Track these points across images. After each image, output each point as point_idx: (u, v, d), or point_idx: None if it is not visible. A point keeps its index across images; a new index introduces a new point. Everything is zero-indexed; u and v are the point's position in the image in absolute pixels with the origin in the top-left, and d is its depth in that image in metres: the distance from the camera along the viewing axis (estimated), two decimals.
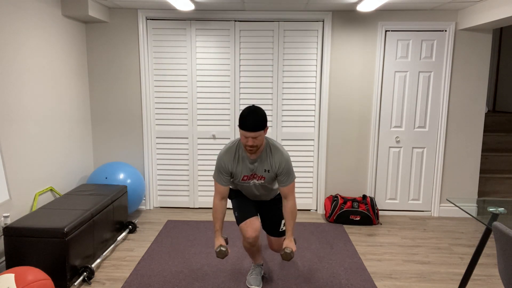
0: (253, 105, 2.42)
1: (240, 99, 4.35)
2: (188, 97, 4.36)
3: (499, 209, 2.50)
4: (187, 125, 4.41)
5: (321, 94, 4.28)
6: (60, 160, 3.75)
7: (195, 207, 4.58)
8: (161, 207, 4.61)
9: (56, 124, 3.66)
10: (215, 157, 4.46)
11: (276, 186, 2.74)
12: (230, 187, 2.85)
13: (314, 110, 4.35)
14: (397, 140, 4.34)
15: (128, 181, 3.92)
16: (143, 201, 4.54)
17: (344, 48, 4.21)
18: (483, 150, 5.06)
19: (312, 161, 4.44)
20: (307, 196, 4.52)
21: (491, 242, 3.75)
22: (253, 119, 2.32)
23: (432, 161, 4.36)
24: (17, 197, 3.11)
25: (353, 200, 4.15)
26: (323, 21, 4.20)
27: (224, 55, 4.27)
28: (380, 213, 4.48)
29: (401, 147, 4.36)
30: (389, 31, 4.17)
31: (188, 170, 4.49)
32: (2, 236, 2.93)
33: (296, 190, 4.50)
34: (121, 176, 3.91)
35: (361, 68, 4.23)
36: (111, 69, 4.30)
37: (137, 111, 4.37)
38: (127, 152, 4.45)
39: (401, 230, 4.01)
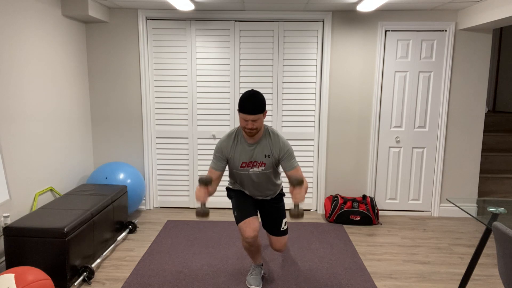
0: (252, 89, 2.47)
1: None
2: (188, 97, 4.36)
3: (499, 209, 2.50)
4: (187, 125, 4.41)
5: (321, 94, 4.28)
6: (60, 160, 3.75)
7: (195, 207, 4.58)
8: (161, 207, 4.61)
9: (56, 124, 3.66)
10: None
11: (278, 180, 2.72)
12: (230, 186, 2.86)
13: (314, 110, 4.35)
14: (397, 140, 4.34)
15: (128, 181, 3.92)
16: (143, 201, 4.54)
17: (344, 48, 4.21)
18: (483, 150, 5.06)
19: (312, 161, 4.44)
20: (307, 196, 4.52)
21: (491, 242, 3.75)
22: (252, 102, 2.37)
23: (432, 161, 4.36)
24: (17, 197, 3.11)
25: (353, 200, 4.15)
26: (323, 21, 4.20)
27: (224, 55, 4.27)
28: (380, 213, 4.48)
29: (401, 147, 4.36)
30: (389, 31, 4.17)
31: (188, 170, 4.49)
32: (2, 236, 2.93)
33: None
34: (121, 176, 3.91)
35: (361, 68, 4.23)
36: (111, 69, 4.30)
37: (137, 111, 4.37)
38: (127, 152, 4.45)
39: (401, 230, 4.01)
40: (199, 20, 4.22)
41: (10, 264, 2.73)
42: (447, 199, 2.79)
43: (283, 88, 4.32)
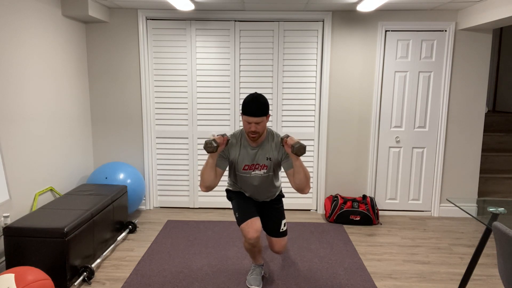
0: (256, 92, 2.48)
1: (240, 99, 4.35)
2: (188, 97, 4.36)
3: (499, 209, 2.50)
4: (187, 125, 4.41)
5: (321, 94, 4.28)
6: (60, 160, 3.75)
7: (195, 207, 4.58)
8: (161, 207, 4.61)
9: (56, 124, 3.66)
10: None
11: (277, 182, 2.73)
12: (229, 188, 2.85)
13: (314, 110, 4.35)
14: (397, 140, 4.34)
15: (128, 181, 3.92)
16: (143, 201, 4.54)
17: (344, 48, 4.21)
18: (483, 150, 5.06)
19: (312, 161, 4.44)
20: (307, 196, 4.52)
21: (491, 242, 3.75)
22: (256, 104, 2.39)
23: (432, 161, 4.36)
24: (17, 197, 3.11)
25: (353, 200, 4.15)
26: (323, 21, 4.20)
27: (224, 55, 4.27)
28: (380, 213, 4.48)
29: (401, 147, 4.36)
30: (389, 31, 4.17)
31: (188, 170, 4.49)
32: (2, 236, 2.93)
33: None
34: (121, 176, 3.91)
35: (361, 68, 4.23)
36: (111, 69, 4.30)
37: (137, 111, 4.37)
38: (127, 152, 4.45)
39: (401, 230, 4.01)
40: (199, 20, 4.22)
41: (10, 264, 2.73)
42: (447, 199, 2.79)
43: (283, 88, 4.32)
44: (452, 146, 4.32)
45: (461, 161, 4.34)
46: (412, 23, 4.11)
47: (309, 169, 4.45)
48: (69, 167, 3.92)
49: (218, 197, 4.55)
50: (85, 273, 2.89)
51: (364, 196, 4.22)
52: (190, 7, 3.75)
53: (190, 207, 4.59)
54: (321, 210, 4.48)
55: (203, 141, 4.44)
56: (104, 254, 3.28)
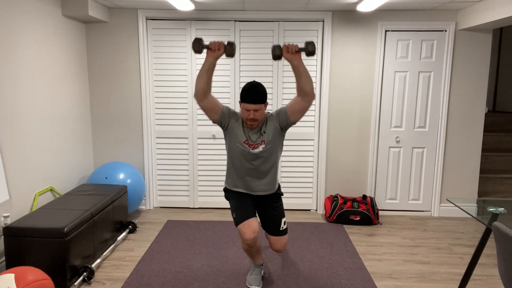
0: (254, 80, 2.50)
1: None
2: (188, 97, 4.36)
3: (499, 209, 2.50)
4: (187, 125, 4.41)
5: (321, 94, 4.28)
6: (60, 160, 3.75)
7: (195, 207, 4.58)
8: (161, 207, 4.61)
9: (56, 124, 3.66)
10: (215, 157, 4.46)
11: (276, 163, 2.68)
12: (227, 187, 2.80)
13: (314, 110, 4.35)
14: (397, 140, 4.34)
15: (128, 181, 3.92)
16: (143, 201, 4.54)
17: (344, 48, 4.21)
18: (483, 150, 5.06)
19: (312, 161, 4.44)
20: (307, 196, 4.52)
21: (491, 242, 3.75)
22: (255, 92, 2.42)
23: (432, 161, 4.36)
24: (17, 197, 3.11)
25: (353, 200, 4.15)
26: (323, 21, 4.20)
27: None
28: (380, 213, 4.48)
29: (401, 147, 4.36)
30: (389, 31, 4.17)
31: (188, 170, 4.49)
32: (2, 236, 2.93)
33: (296, 190, 4.50)
34: (121, 176, 3.91)
35: (361, 68, 4.23)
36: (111, 69, 4.30)
37: (137, 111, 4.37)
38: (127, 152, 4.45)
39: (401, 230, 4.01)
40: (199, 20, 4.22)
41: (10, 264, 2.73)
42: (447, 199, 2.79)
43: (283, 88, 4.32)
44: (452, 146, 4.32)
45: (461, 161, 4.34)
46: (412, 23, 4.11)
47: (309, 169, 4.46)
48: (69, 167, 3.93)
49: (218, 197, 4.55)
50: (85, 273, 2.89)
51: (364, 196, 4.22)
52: (190, 7, 3.75)
53: (190, 207, 4.59)
54: (321, 210, 4.48)
55: (203, 141, 4.44)
56: (104, 254, 3.28)
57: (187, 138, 4.43)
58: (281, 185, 4.49)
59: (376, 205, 4.17)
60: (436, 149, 4.33)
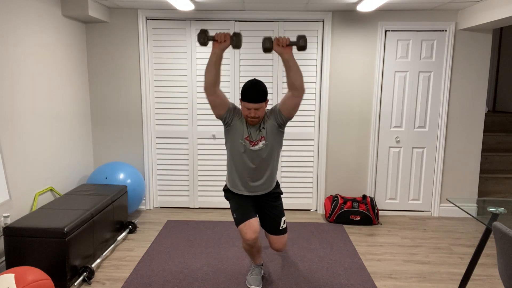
0: (254, 78, 2.49)
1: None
2: (188, 97, 4.36)
3: (499, 209, 2.50)
4: (187, 125, 4.41)
5: (321, 94, 4.28)
6: (60, 160, 3.75)
7: (195, 207, 4.58)
8: (161, 207, 4.61)
9: (56, 124, 3.66)
10: (215, 157, 4.46)
11: (276, 161, 2.68)
12: (227, 187, 2.81)
13: (314, 110, 4.35)
14: (397, 140, 4.34)
15: (128, 181, 3.92)
16: (143, 201, 4.54)
17: (344, 48, 4.21)
18: (483, 150, 5.06)
19: (312, 161, 4.44)
20: (307, 196, 4.52)
21: (491, 242, 3.75)
22: (255, 90, 2.41)
23: (432, 161, 4.36)
24: (17, 197, 3.11)
25: (353, 200, 4.15)
26: (323, 21, 4.20)
27: (224, 55, 4.27)
28: (380, 213, 4.48)
29: (401, 147, 4.36)
30: (389, 31, 4.17)
31: (188, 170, 4.49)
32: (2, 236, 2.93)
33: (296, 190, 4.50)
34: (121, 176, 3.91)
35: (361, 68, 4.23)
36: (111, 69, 4.30)
37: (137, 111, 4.37)
38: (127, 152, 4.45)
39: (401, 230, 4.01)
40: (199, 20, 4.22)
41: (10, 264, 2.73)
42: (447, 199, 2.79)
43: (283, 88, 4.32)
44: (452, 146, 4.32)
45: (461, 161, 4.34)
46: (412, 23, 4.11)
47: (309, 169, 4.46)
48: (69, 167, 3.93)
49: (218, 197, 4.55)
50: (85, 273, 2.89)
51: (364, 196, 4.22)
52: (190, 7, 3.75)
53: (190, 207, 4.59)
54: (321, 210, 4.48)
55: (203, 141, 4.44)
56: (104, 254, 3.28)
57: (187, 138, 4.43)
58: (281, 185, 4.49)
59: (376, 205, 4.17)
60: (436, 149, 4.33)
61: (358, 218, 4.09)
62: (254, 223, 2.60)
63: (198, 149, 4.45)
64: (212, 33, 4.22)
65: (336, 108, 4.31)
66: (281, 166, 4.45)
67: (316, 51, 4.25)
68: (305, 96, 4.32)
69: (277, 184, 2.86)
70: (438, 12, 4.10)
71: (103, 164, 4.37)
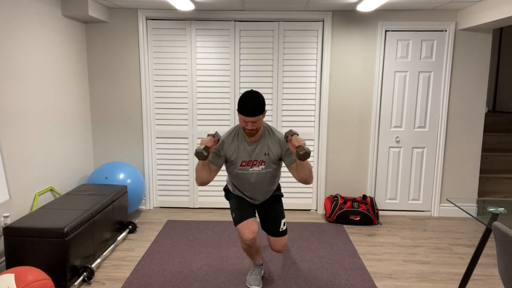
0: (252, 90, 2.45)
1: None
2: (188, 97, 4.36)
3: (499, 209, 2.50)
4: (187, 125, 4.41)
5: (321, 94, 4.28)
6: (60, 160, 3.75)
7: (195, 207, 4.58)
8: (161, 207, 4.61)
9: (56, 124, 3.66)
10: None
11: (274, 180, 2.70)
12: (228, 187, 2.84)
13: (314, 110, 4.35)
14: (397, 140, 4.34)
15: (128, 181, 3.92)
16: (143, 201, 4.54)
17: (344, 48, 4.21)
18: (483, 150, 5.06)
19: (312, 161, 4.44)
20: (307, 196, 4.52)
21: (491, 242, 3.75)
22: (252, 103, 2.36)
23: (432, 161, 4.36)
24: (17, 197, 3.11)
25: (353, 200, 4.15)
26: (323, 21, 4.20)
27: (224, 55, 4.27)
28: (380, 213, 4.48)
29: (401, 147, 4.36)
30: (389, 31, 4.17)
31: (188, 170, 4.49)
32: (2, 236, 2.93)
33: (296, 190, 4.49)
34: (121, 176, 3.91)
35: (361, 68, 4.23)
36: (111, 69, 4.30)
37: (137, 111, 4.37)
38: (127, 152, 4.45)
39: (401, 230, 4.01)
40: (199, 20, 4.22)
41: (10, 264, 2.73)
42: (447, 199, 2.79)
43: (283, 88, 4.32)
44: (452, 146, 4.32)
45: (461, 161, 4.34)
46: (412, 23, 4.11)
47: None
48: (69, 167, 3.93)
49: (218, 197, 4.55)
50: (85, 273, 2.89)
51: (364, 196, 4.22)
52: (190, 7, 3.75)
53: (190, 207, 4.59)
54: (321, 210, 4.48)
55: None
56: (104, 254, 3.28)
57: (187, 138, 4.43)
58: (281, 185, 4.49)
59: (376, 205, 4.17)
60: (436, 149, 4.33)
61: (358, 218, 4.09)
62: (252, 223, 2.60)
63: None
64: (210, 37, 4.22)
65: (336, 108, 4.31)
66: (282, 166, 4.45)
67: (316, 51, 4.25)
68: (305, 96, 4.32)
69: (278, 187, 2.86)
70: (438, 12, 4.10)
71: (103, 164, 4.37)
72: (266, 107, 4.34)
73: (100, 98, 4.36)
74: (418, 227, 4.10)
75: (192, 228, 3.96)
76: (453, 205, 4.40)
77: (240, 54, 4.27)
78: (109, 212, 3.41)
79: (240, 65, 4.29)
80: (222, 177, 4.49)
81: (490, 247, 3.65)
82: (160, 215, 4.34)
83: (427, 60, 4.19)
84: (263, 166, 2.57)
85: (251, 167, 2.57)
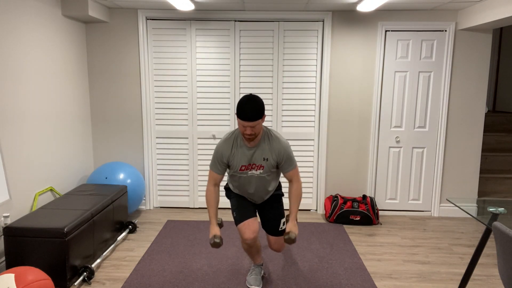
0: (251, 94, 2.43)
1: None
2: (188, 97, 4.36)
3: (499, 209, 2.50)
4: (187, 125, 4.41)
5: (321, 94, 4.28)
6: (60, 160, 3.75)
7: (195, 207, 4.58)
8: (161, 207, 4.61)
9: (56, 124, 3.66)
10: None
11: (274, 182, 2.71)
12: (229, 186, 2.86)
13: (314, 110, 4.35)
14: (397, 140, 4.34)
15: (128, 181, 3.92)
16: (143, 201, 4.54)
17: (344, 48, 4.21)
18: (483, 150, 5.06)
19: (312, 161, 4.44)
20: (307, 196, 4.52)
21: (491, 242, 3.75)
22: (251, 108, 2.34)
23: (432, 161, 4.36)
24: (17, 197, 3.11)
25: (353, 200, 4.15)
26: (323, 21, 4.20)
27: (224, 55, 4.27)
28: (380, 213, 4.48)
29: (401, 147, 4.36)
30: (389, 31, 4.17)
31: (188, 170, 4.49)
32: (2, 236, 2.93)
33: None
34: (121, 176, 3.91)
35: (361, 68, 4.23)
36: (111, 69, 4.30)
37: (137, 111, 4.37)
38: (127, 152, 4.45)
39: (401, 230, 4.01)
40: (199, 20, 4.22)
41: (10, 264, 2.73)
42: (447, 199, 2.79)
43: (283, 88, 4.32)
44: (452, 146, 4.32)
45: (461, 161, 4.34)
46: (412, 23, 4.11)
47: (309, 169, 4.46)
48: (69, 167, 3.93)
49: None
50: (85, 273, 2.89)
51: (364, 196, 4.22)
52: (190, 7, 3.75)
53: (190, 207, 4.59)
54: (321, 210, 4.48)
55: (203, 141, 4.44)
56: (104, 254, 3.28)
57: (187, 138, 4.43)
58: (282, 185, 4.47)
59: (376, 205, 4.17)
60: (436, 149, 4.33)
61: (358, 218, 4.09)
62: (253, 222, 2.60)
63: (198, 149, 4.45)
64: (210, 37, 4.22)
65: (336, 108, 4.31)
66: None
67: (316, 51, 4.25)
68: (305, 96, 4.32)
69: (279, 186, 2.86)
70: (438, 12, 4.10)
71: (103, 164, 4.37)
72: (266, 108, 4.34)
73: (100, 98, 4.36)
74: (418, 227, 4.10)
75: (192, 228, 3.96)
76: (453, 205, 4.40)
77: (240, 54, 4.27)
78: (109, 212, 3.41)
79: (240, 65, 4.29)
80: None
81: (490, 247, 3.65)
82: (160, 215, 4.34)
83: (427, 60, 4.19)
84: (261, 171, 2.57)
85: (249, 170, 2.58)
